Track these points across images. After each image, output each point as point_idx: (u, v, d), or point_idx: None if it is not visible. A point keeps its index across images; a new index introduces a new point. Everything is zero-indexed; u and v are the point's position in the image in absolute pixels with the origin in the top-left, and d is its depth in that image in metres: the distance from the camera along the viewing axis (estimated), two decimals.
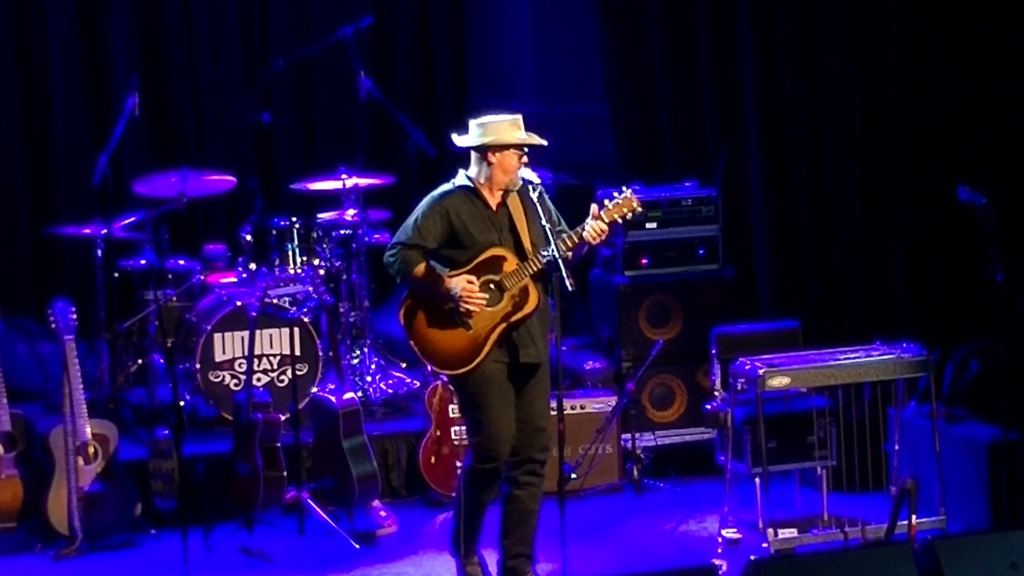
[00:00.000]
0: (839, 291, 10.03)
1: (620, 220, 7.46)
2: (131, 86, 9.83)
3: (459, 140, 7.54)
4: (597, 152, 11.11)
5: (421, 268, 7.40)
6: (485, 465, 7.46)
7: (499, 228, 7.45)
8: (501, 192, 7.48)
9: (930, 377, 8.32)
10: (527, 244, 7.43)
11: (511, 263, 7.40)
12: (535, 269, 7.38)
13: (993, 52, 9.52)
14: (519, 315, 7.40)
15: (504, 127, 7.44)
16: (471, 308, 7.34)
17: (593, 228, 7.34)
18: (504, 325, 7.39)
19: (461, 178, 7.52)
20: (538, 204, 7.42)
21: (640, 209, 7.53)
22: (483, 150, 7.44)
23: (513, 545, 7.60)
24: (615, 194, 7.47)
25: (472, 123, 7.51)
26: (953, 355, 8.72)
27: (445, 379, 8.30)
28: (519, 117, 7.50)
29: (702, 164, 10.28)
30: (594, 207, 7.39)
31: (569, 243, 7.39)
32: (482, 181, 7.47)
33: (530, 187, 7.46)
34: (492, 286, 7.40)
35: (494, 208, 7.48)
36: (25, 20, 10.99)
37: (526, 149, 7.46)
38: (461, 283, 7.35)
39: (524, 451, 7.48)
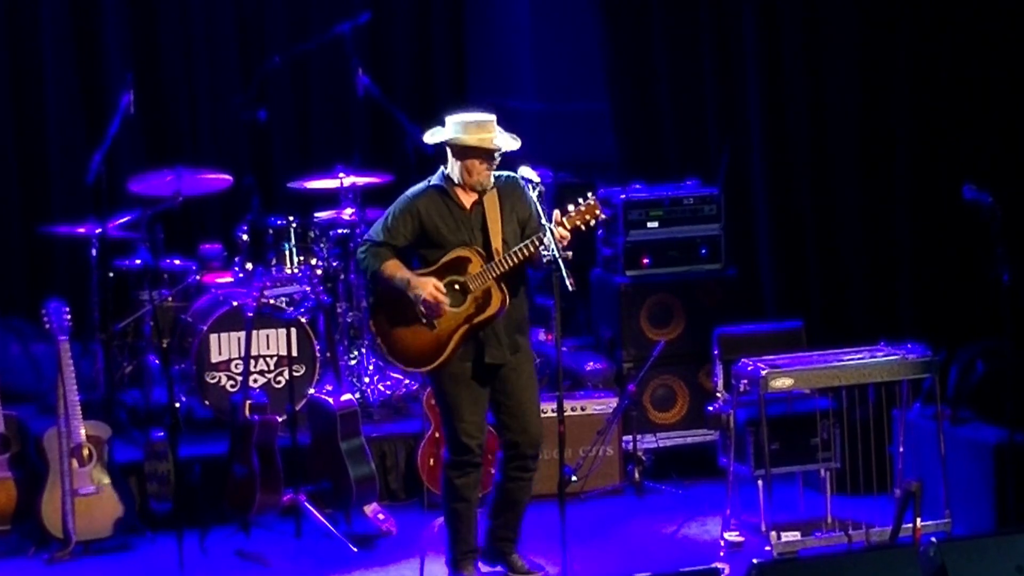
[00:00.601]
0: (843, 291, 10.05)
1: (583, 227, 7.48)
2: (125, 83, 9.82)
3: (427, 135, 7.65)
4: (598, 150, 11.11)
5: (389, 266, 7.54)
6: (460, 457, 7.63)
7: (470, 228, 7.54)
8: (476, 191, 7.55)
9: (935, 378, 8.32)
10: (497, 245, 7.51)
11: (476, 265, 7.50)
12: (500, 272, 7.46)
13: (999, 48, 9.53)
14: (481, 317, 7.51)
15: (469, 128, 7.50)
16: (434, 313, 7.45)
17: (555, 235, 7.34)
18: (467, 327, 7.52)
19: (437, 176, 7.63)
20: (537, 202, 7.46)
21: (603, 217, 7.58)
22: (449, 149, 7.54)
23: (499, 528, 7.78)
24: (579, 200, 7.50)
25: (448, 119, 7.58)
26: (958, 356, 8.72)
27: None
28: (492, 119, 7.55)
29: (704, 162, 10.28)
30: (556, 213, 7.43)
31: (531, 248, 7.42)
32: (456, 180, 7.57)
33: (530, 185, 7.51)
34: (456, 287, 7.51)
35: (467, 207, 7.57)
36: (17, 15, 10.98)
37: (497, 156, 7.51)
38: (428, 288, 7.45)
39: (514, 447, 7.64)
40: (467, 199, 7.58)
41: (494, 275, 7.48)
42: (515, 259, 7.46)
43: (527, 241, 7.45)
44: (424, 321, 7.51)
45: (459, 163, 7.53)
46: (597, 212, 7.47)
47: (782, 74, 10.11)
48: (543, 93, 11.59)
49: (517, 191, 7.60)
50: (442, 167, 7.65)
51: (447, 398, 7.64)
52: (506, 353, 7.59)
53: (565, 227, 7.41)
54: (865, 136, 9.95)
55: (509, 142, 7.55)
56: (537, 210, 7.45)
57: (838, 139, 10.01)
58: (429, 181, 7.65)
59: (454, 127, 7.54)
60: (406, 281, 7.50)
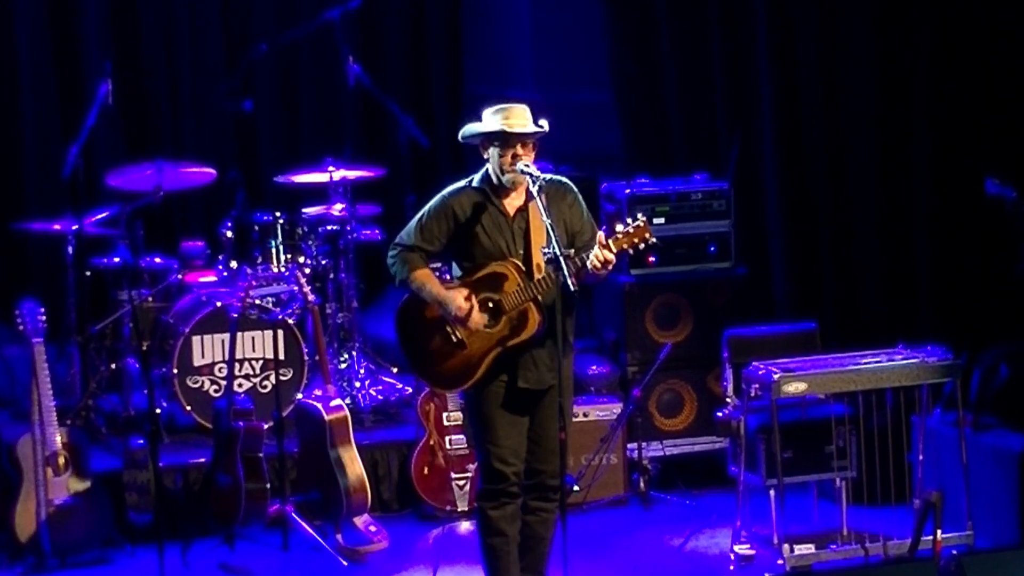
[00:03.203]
0: (859, 291, 10.05)
1: (631, 251, 7.16)
2: (104, 72, 9.84)
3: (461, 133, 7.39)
4: (601, 142, 11.11)
5: (420, 275, 7.27)
6: (494, 486, 7.33)
7: (511, 236, 7.24)
8: (519, 195, 7.24)
9: (956, 382, 8.33)
10: (538, 259, 7.18)
11: (512, 283, 7.18)
12: (539, 291, 7.15)
13: (1022, 36, 9.54)
14: (516, 340, 7.20)
15: (490, 115, 7.21)
16: (466, 327, 7.19)
17: (597, 257, 7.03)
18: (499, 349, 7.21)
19: (479, 176, 7.31)
20: (538, 200, 7.13)
21: (654, 240, 7.16)
22: (480, 143, 7.28)
23: (523, 571, 7.46)
24: (628, 220, 7.19)
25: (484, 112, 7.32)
26: (981, 359, 8.73)
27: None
28: (520, 107, 7.22)
29: (713, 155, 10.29)
30: (601, 234, 7.11)
31: (571, 269, 7.03)
32: (495, 179, 7.26)
33: (530, 180, 7.15)
34: (490, 305, 7.20)
35: (510, 213, 7.26)
36: None
37: (531, 144, 7.18)
38: (458, 301, 7.17)
39: (536, 475, 7.36)
40: (510, 204, 7.25)
41: (532, 295, 7.16)
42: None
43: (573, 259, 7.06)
44: (455, 340, 7.22)
45: (487, 155, 7.22)
46: (647, 235, 7.10)
47: (795, 62, 10.12)
48: (543, 83, 11.58)
49: (568, 197, 7.30)
50: (486, 166, 7.30)
51: (481, 419, 7.31)
52: (544, 377, 7.26)
53: (611, 250, 7.05)
54: (882, 127, 9.95)
55: (530, 126, 7.16)
56: (539, 210, 7.20)
57: (854, 130, 10.01)
58: (470, 180, 7.32)
59: (487, 117, 7.22)
60: (437, 294, 7.21)
